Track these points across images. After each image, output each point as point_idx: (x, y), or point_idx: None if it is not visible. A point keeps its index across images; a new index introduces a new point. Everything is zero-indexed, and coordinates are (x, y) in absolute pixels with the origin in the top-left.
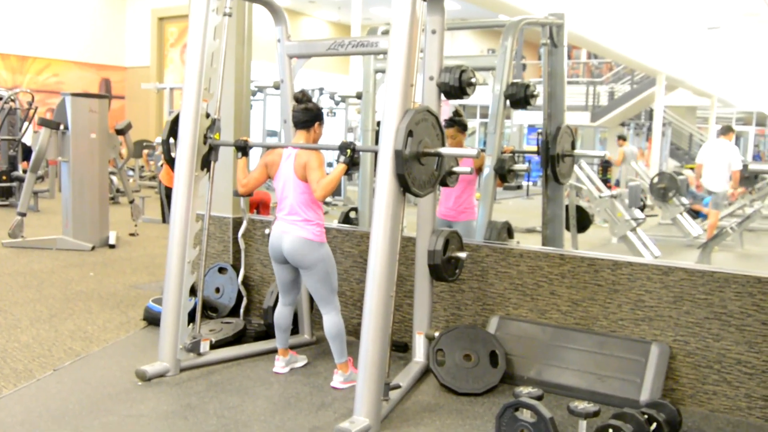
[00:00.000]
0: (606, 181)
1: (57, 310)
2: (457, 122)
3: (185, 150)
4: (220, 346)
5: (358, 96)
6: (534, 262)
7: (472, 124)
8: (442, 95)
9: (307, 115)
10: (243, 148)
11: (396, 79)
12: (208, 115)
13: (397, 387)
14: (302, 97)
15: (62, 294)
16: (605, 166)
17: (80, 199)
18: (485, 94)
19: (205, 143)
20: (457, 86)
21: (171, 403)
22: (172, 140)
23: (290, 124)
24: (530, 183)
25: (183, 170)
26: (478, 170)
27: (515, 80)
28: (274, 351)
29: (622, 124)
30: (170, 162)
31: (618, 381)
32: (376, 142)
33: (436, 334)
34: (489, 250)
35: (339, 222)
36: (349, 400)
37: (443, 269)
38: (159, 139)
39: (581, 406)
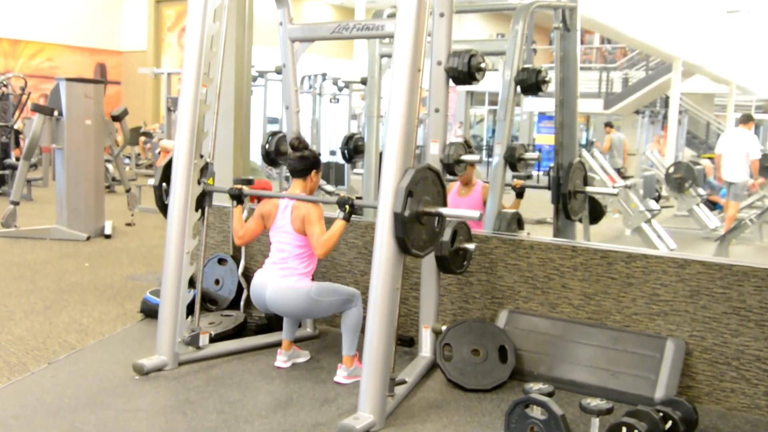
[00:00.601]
0: (620, 171)
1: (51, 301)
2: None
3: (183, 137)
4: (220, 340)
5: (363, 82)
6: (545, 254)
7: (481, 111)
8: (451, 81)
9: (303, 164)
10: (237, 197)
11: (403, 64)
12: (202, 158)
13: (403, 382)
14: (298, 144)
15: (56, 285)
16: None
17: (75, 188)
18: (495, 80)
19: (198, 207)
20: (465, 71)
21: (169, 398)
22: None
23: (292, 110)
24: (541, 173)
25: (181, 157)
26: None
27: (526, 65)
28: (276, 345)
29: (637, 112)
30: (162, 209)
31: (632, 377)
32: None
33: (443, 328)
34: (498, 242)
35: None
36: (353, 396)
37: (451, 261)
38: (160, 170)
39: (594, 403)
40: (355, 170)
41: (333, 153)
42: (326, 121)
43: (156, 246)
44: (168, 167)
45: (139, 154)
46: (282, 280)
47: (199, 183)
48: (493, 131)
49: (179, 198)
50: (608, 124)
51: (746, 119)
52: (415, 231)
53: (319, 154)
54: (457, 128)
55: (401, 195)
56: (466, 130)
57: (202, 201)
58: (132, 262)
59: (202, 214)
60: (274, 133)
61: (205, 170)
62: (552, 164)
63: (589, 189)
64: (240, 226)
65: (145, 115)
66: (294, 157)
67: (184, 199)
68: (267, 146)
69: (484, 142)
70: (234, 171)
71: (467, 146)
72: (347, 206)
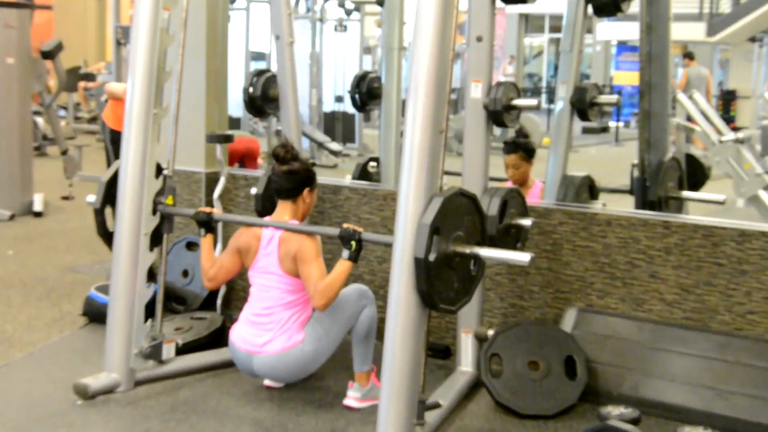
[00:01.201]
0: (729, 121)
1: None
2: (522, 146)
3: (139, 80)
4: (190, 351)
5: (379, 3)
6: (627, 231)
7: (539, 40)
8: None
9: (292, 182)
10: (206, 223)
11: None
12: (159, 170)
13: (436, 406)
14: (284, 154)
15: None
16: (727, 98)
17: None
18: None
19: (154, 212)
20: None
21: (123, 429)
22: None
23: (284, 41)
24: (620, 123)
25: (136, 108)
26: None
27: None
28: None
29: (752, 40)
30: (106, 237)
31: (746, 399)
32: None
33: (490, 332)
34: (563, 216)
35: (353, 178)
36: (369, 425)
37: (500, 242)
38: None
39: None
40: (368, 123)
41: (340, 99)
42: (330, 56)
43: None
44: (112, 183)
45: (78, 104)
46: (269, 347)
47: (154, 210)
48: (556, 68)
49: (134, 163)
50: (688, 55)
51: None
52: (443, 279)
53: (313, 164)
54: (506, 64)
55: (424, 234)
56: (518, 66)
57: (160, 228)
58: (71, 249)
59: (159, 243)
60: (260, 73)
61: (162, 187)
62: (635, 162)
63: (687, 194)
64: (210, 264)
65: (86, 50)
66: (279, 173)
67: (140, 160)
68: (251, 90)
69: (544, 83)
70: (206, 125)
71: (522, 135)
72: (353, 242)
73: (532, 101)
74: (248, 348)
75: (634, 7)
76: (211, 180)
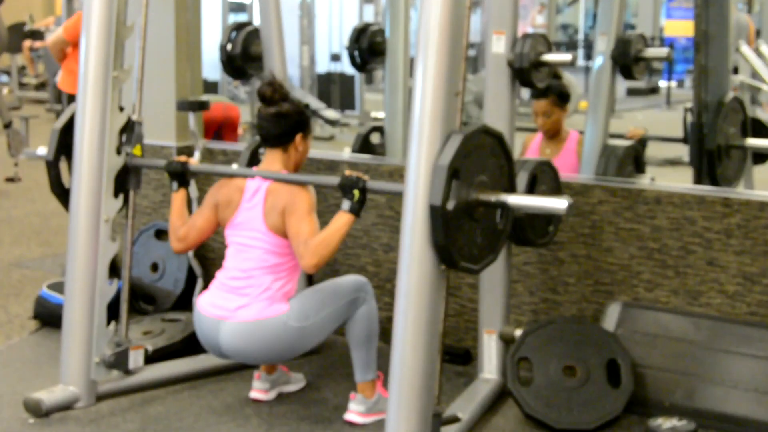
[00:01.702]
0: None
1: None
2: (554, 89)
3: (95, 36)
4: (162, 358)
5: None
6: (680, 211)
7: None
8: None
9: (282, 126)
10: (180, 175)
11: None
12: (127, 123)
13: (455, 420)
14: (271, 94)
15: None
16: None
17: None
18: None
19: (116, 195)
20: None
21: None
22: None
23: None
24: (672, 83)
25: (92, 68)
26: None
27: None
28: (250, 365)
29: None
30: (62, 197)
31: None
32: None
33: (518, 333)
34: (604, 193)
35: (354, 150)
36: None
37: (528, 226)
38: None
39: None
40: (371, 86)
41: (336, 58)
42: (324, 6)
43: (55, 213)
44: (67, 131)
45: (23, 68)
46: (243, 313)
47: (118, 152)
48: (595, 17)
49: (90, 136)
50: None
51: None
52: (464, 231)
53: (307, 106)
54: (535, 13)
55: (441, 178)
56: (550, 16)
57: (125, 182)
58: (17, 240)
59: (126, 201)
60: (239, 26)
61: (129, 134)
62: (688, 105)
63: (752, 142)
64: (180, 222)
65: (31, 3)
66: (266, 116)
67: (97, 136)
68: (230, 47)
69: (581, 36)
70: (177, 90)
71: (556, 76)
72: (356, 191)
73: (565, 56)
74: (216, 313)
75: None
76: (184, 155)
